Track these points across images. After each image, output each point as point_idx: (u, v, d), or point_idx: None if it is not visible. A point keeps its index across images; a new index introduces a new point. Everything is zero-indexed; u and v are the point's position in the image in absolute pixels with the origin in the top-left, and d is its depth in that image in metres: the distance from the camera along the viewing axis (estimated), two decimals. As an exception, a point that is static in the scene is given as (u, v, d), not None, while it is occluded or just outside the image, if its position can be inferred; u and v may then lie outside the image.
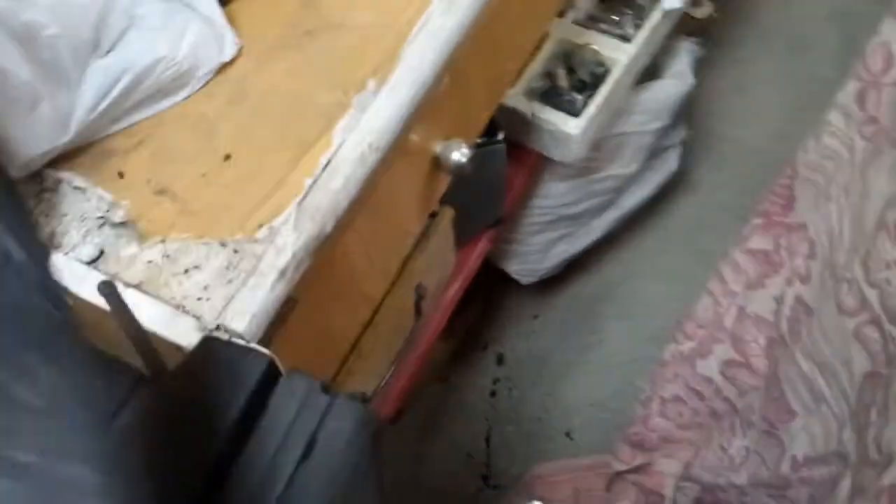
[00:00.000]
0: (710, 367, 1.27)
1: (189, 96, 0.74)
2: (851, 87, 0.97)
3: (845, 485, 0.81)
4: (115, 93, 0.68)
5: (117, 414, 0.41)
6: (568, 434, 1.59)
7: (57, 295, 0.36)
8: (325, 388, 0.42)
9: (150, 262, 0.64)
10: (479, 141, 1.06)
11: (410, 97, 0.73)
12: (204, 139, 0.72)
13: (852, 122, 0.98)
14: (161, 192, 0.68)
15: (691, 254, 1.70)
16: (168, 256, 0.64)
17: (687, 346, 1.34)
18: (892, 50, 0.90)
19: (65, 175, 0.70)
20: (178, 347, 0.61)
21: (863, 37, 1.79)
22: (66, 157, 0.70)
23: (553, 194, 1.40)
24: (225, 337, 0.59)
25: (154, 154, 0.71)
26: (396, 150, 0.73)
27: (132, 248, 0.65)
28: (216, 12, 0.76)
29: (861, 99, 0.95)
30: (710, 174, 1.77)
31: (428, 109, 0.76)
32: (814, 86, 1.82)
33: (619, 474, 1.46)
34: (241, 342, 0.56)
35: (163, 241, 0.65)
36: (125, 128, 0.72)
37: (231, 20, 0.77)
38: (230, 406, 0.40)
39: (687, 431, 1.38)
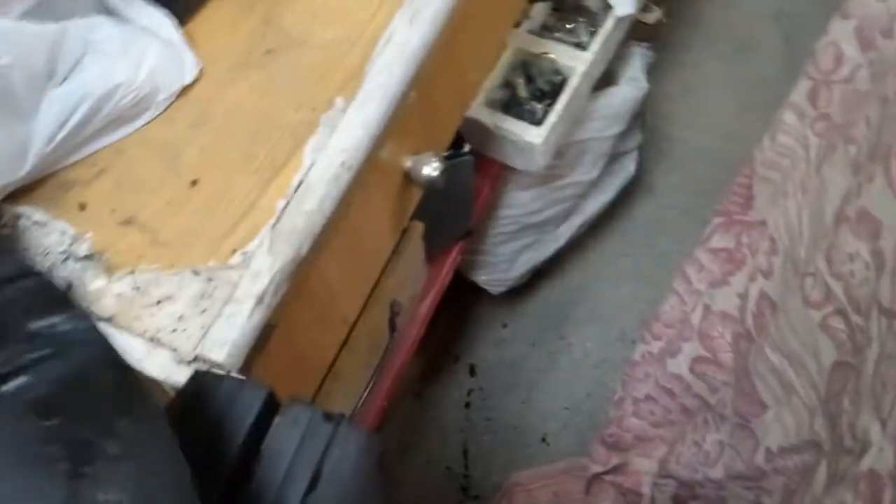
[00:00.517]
0: (679, 364, 1.29)
1: (150, 122, 0.73)
2: (803, 85, 0.99)
3: (822, 472, 0.83)
4: (73, 122, 0.67)
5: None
6: (544, 439, 1.60)
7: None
8: (328, 417, 0.42)
9: (119, 294, 0.63)
10: (446, 154, 1.06)
11: (380, 113, 0.73)
12: (168, 165, 0.71)
13: (805, 119, 1.00)
14: (127, 222, 0.67)
15: (652, 255, 1.73)
16: (138, 288, 0.63)
17: (655, 345, 1.36)
18: (842, 48, 0.92)
19: (24, 209, 0.68)
20: (154, 381, 0.60)
21: (806, 36, 1.83)
22: (24, 191, 0.68)
23: (517, 203, 1.41)
24: (204, 368, 0.58)
25: (117, 183, 0.70)
26: (369, 168, 0.73)
27: (100, 282, 0.63)
28: (174, 34, 0.75)
29: (813, 97, 0.98)
30: (666, 177, 1.80)
31: (397, 125, 0.76)
32: (760, 85, 1.86)
33: (596, 476, 1.47)
34: (236, 375, 0.55)
35: (132, 273, 0.64)
36: (85, 157, 0.70)
37: (190, 41, 0.76)
38: (231, 441, 0.40)
39: (660, 429, 1.39)
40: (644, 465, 1.42)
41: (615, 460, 1.45)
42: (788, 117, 1.02)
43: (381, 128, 0.74)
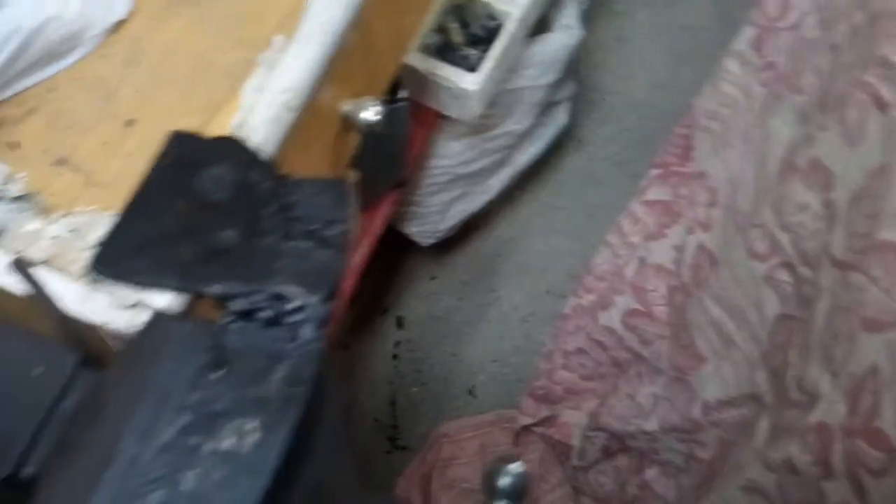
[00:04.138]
0: (611, 318, 1.29)
1: (82, 59, 0.69)
2: (748, 33, 0.98)
3: (763, 425, 0.83)
4: (2, 57, 0.62)
5: (61, 399, 0.38)
6: (472, 392, 1.59)
7: None
8: None
9: (55, 237, 0.59)
10: (384, 99, 1.03)
11: (322, 53, 0.71)
12: (102, 104, 0.67)
13: (749, 68, 0.99)
14: (61, 162, 0.63)
15: (582, 208, 1.72)
16: (75, 230, 0.59)
17: (587, 298, 1.36)
18: (788, -5, 0.91)
19: None
20: (93, 326, 0.56)
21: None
22: None
23: (450, 154, 1.38)
24: (146, 312, 0.55)
25: (49, 122, 0.66)
26: (309, 110, 0.71)
27: (35, 224, 0.60)
28: (105, -33, 0.70)
29: (758, 45, 0.97)
30: (597, 128, 1.79)
31: (338, 67, 0.74)
32: (691, 36, 1.86)
33: (525, 428, 1.47)
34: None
35: (68, 215, 0.61)
36: (14, 95, 0.66)
37: (121, -26, 0.71)
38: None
39: (590, 382, 1.40)
40: (574, 418, 1.43)
41: (544, 413, 1.45)
42: (731, 65, 1.01)
43: (323, 68, 0.71)
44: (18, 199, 0.61)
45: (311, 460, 0.35)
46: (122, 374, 0.38)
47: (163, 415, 0.33)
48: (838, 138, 0.73)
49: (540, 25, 1.41)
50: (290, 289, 0.38)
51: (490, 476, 0.51)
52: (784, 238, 0.81)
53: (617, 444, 1.29)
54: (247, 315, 0.38)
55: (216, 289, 0.38)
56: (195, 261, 0.38)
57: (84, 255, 0.58)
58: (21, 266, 0.47)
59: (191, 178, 0.41)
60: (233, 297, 0.38)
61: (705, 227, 1.05)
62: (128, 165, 0.63)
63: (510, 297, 1.67)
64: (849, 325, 0.68)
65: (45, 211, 0.61)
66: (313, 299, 0.38)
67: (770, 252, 0.84)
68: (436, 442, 1.50)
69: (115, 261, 0.38)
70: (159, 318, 0.39)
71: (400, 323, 1.65)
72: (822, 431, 0.69)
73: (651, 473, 1.21)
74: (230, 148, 0.43)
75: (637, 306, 1.23)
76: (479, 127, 1.38)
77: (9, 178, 0.62)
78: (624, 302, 1.25)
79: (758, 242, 0.85)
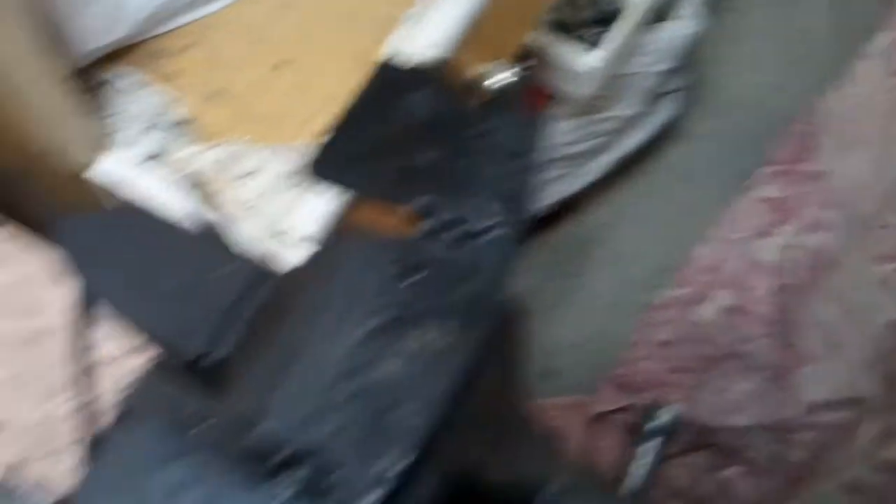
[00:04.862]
0: (707, 312, 1.27)
1: (240, 0, 0.71)
2: (884, 37, 0.96)
3: (868, 428, 0.82)
4: None
5: (247, 295, 0.39)
6: (546, 373, 1.59)
7: None
8: None
9: (206, 164, 0.61)
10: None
11: (464, 13, 0.72)
12: (256, 44, 0.69)
13: (882, 71, 0.97)
14: (216, 94, 0.65)
15: (679, 202, 1.69)
16: (226, 159, 0.61)
17: (683, 291, 1.34)
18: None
19: (112, 75, 0.66)
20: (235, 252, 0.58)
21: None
22: (117, 55, 0.67)
23: (554, 133, 1.38)
24: (289, 242, 0.57)
25: (207, 57, 0.68)
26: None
27: (188, 150, 0.62)
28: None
29: (894, 49, 0.95)
30: (703, 123, 1.76)
31: (473, 30, 0.75)
32: (805, 39, 1.82)
33: (601, 414, 1.46)
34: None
35: (220, 144, 0.62)
36: (174, 29, 0.69)
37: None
38: None
39: (675, 374, 1.38)
40: (655, 408, 1.42)
41: (623, 401, 1.44)
42: (863, 68, 0.99)
43: (464, 29, 0.72)
44: (175, 125, 0.62)
45: (489, 375, 0.36)
46: (307, 279, 0.40)
47: (353, 315, 0.35)
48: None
49: (658, 13, 1.40)
50: (486, 207, 0.40)
51: (644, 420, 0.53)
52: (912, 241, 0.79)
53: (699, 440, 1.27)
54: (444, 229, 0.40)
55: (418, 202, 0.40)
56: (399, 176, 0.41)
57: (233, 184, 0.60)
58: (185, 185, 0.49)
59: (396, 102, 0.44)
60: (432, 211, 0.40)
61: (820, 227, 1.03)
62: (278, 102, 0.64)
63: (596, 283, 1.65)
64: (980, 332, 0.66)
65: (199, 138, 0.62)
66: (508, 219, 0.40)
67: (893, 254, 0.82)
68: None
69: (329, 167, 0.40)
70: (344, 231, 0.41)
71: (482, 297, 1.64)
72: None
73: (731, 472, 1.19)
74: (431, 77, 0.45)
75: (737, 303, 1.21)
76: (587, 108, 1.37)
77: (167, 106, 0.64)
78: (722, 297, 1.24)
79: (882, 244, 0.83)
